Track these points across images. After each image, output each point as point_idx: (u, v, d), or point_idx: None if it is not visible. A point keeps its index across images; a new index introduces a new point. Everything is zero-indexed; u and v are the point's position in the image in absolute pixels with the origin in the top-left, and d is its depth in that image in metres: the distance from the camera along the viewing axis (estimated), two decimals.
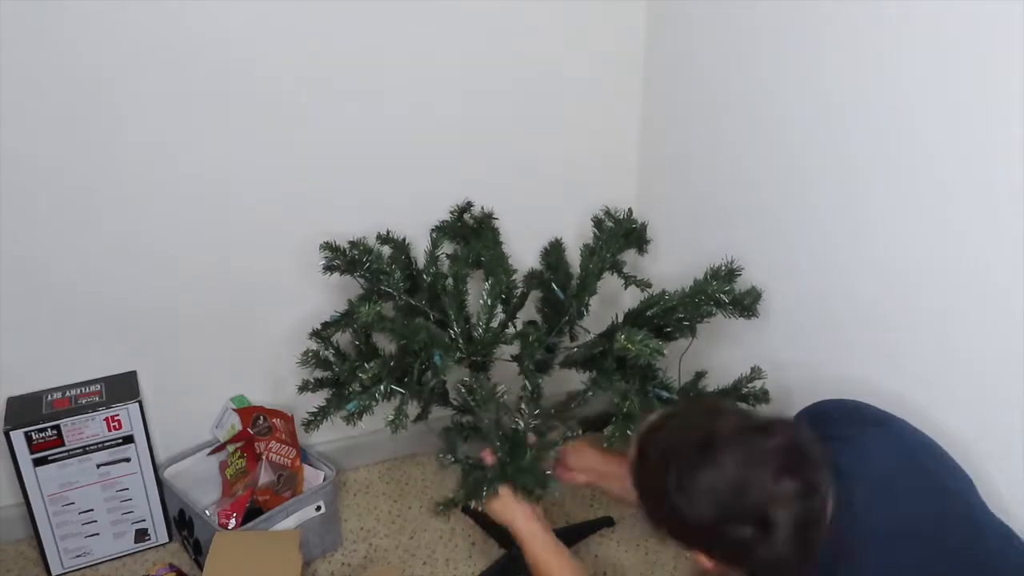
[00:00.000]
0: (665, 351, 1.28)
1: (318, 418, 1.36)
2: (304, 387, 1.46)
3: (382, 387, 1.28)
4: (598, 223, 1.62)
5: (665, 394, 1.34)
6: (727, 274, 1.43)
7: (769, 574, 0.96)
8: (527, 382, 1.35)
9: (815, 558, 0.92)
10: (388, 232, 1.57)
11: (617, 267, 1.57)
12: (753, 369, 1.37)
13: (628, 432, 1.24)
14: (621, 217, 1.63)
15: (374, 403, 1.30)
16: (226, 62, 1.45)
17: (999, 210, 1.08)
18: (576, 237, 1.67)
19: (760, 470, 0.91)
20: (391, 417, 1.28)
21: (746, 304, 1.41)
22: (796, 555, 0.91)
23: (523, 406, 1.30)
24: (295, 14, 1.46)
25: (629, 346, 1.26)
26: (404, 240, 1.56)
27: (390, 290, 1.45)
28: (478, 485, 1.27)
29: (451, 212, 1.63)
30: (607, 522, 1.72)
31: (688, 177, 1.71)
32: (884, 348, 1.30)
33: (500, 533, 1.67)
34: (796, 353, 1.47)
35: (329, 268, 1.49)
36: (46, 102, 1.37)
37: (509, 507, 1.32)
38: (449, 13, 1.57)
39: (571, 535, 1.68)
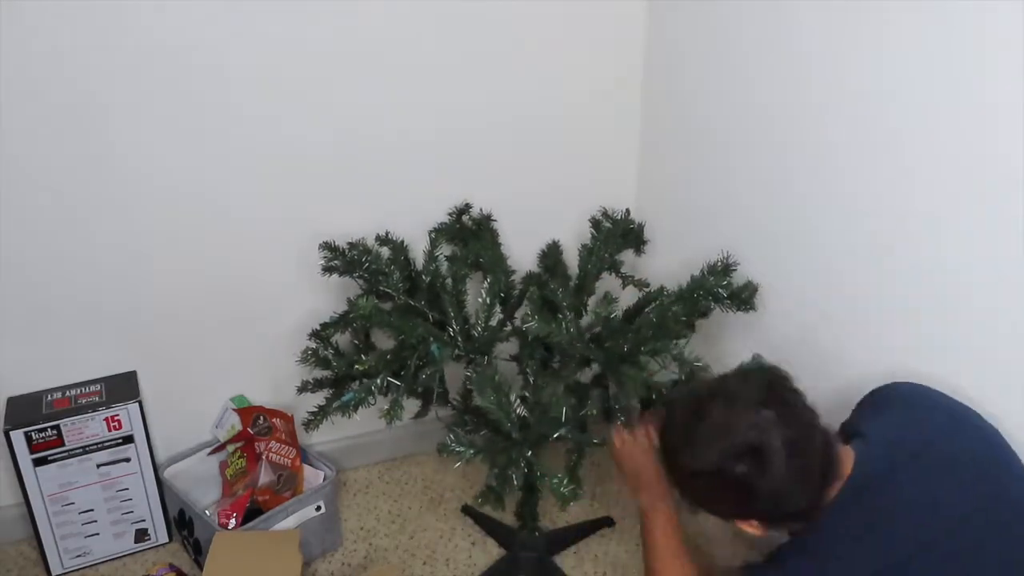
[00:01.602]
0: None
1: (318, 417, 1.36)
2: (303, 387, 1.46)
3: (378, 380, 1.28)
4: (596, 224, 1.63)
5: None
6: (723, 269, 1.44)
7: (782, 515, 1.05)
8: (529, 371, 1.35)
9: (815, 485, 1.02)
10: (387, 233, 1.57)
11: (615, 267, 1.58)
12: (754, 357, 1.37)
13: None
14: (618, 218, 1.63)
15: (371, 396, 1.30)
16: (223, 65, 1.46)
17: (989, 204, 1.09)
18: (576, 238, 1.67)
19: (741, 409, 1.02)
20: (386, 408, 1.27)
21: (743, 298, 1.42)
22: (795, 480, 1.00)
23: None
24: (293, 18, 1.46)
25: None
26: (402, 242, 1.57)
27: (389, 291, 1.46)
28: (507, 467, 1.22)
29: (449, 214, 1.63)
30: (607, 522, 1.72)
31: (688, 177, 1.72)
32: (879, 340, 1.30)
33: (501, 533, 1.67)
34: (793, 347, 1.47)
35: (328, 269, 1.49)
36: (43, 106, 1.37)
37: (638, 455, 1.33)
38: (448, 15, 1.57)
39: (571, 535, 1.68)
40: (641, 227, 1.64)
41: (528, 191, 1.76)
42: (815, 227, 1.39)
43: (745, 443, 1.00)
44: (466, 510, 1.75)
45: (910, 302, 1.24)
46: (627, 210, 1.67)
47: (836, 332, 1.38)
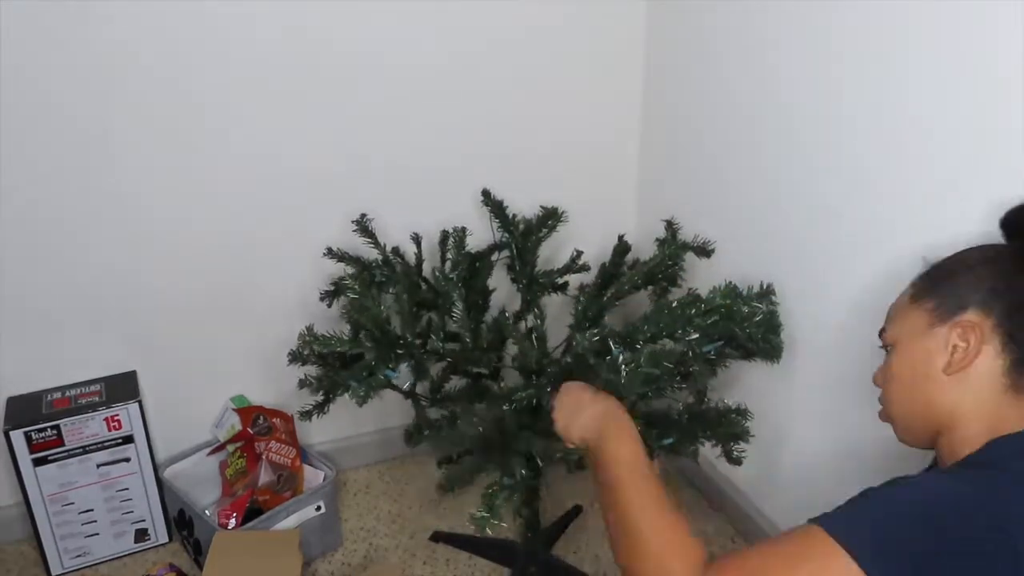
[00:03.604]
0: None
1: (329, 399, 1.34)
2: (304, 383, 1.44)
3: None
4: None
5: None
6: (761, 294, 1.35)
7: None
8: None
9: None
10: (396, 248, 1.56)
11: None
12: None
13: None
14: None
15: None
16: (228, 61, 1.46)
17: (1002, 209, 1.08)
18: (578, 239, 1.67)
19: None
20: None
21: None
22: None
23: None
24: (300, 16, 1.46)
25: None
26: (418, 260, 1.56)
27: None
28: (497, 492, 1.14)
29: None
30: (577, 511, 1.74)
31: (689, 176, 1.71)
32: None
33: (490, 550, 1.65)
34: (802, 349, 1.47)
35: (328, 295, 1.51)
36: (48, 100, 1.37)
37: (583, 404, 1.07)
38: (450, 13, 1.57)
39: (551, 534, 1.67)
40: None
41: (530, 190, 1.74)
42: (826, 227, 1.37)
43: None
44: (436, 537, 1.69)
45: None
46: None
47: (847, 336, 1.37)
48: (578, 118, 1.77)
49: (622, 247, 1.60)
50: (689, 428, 1.31)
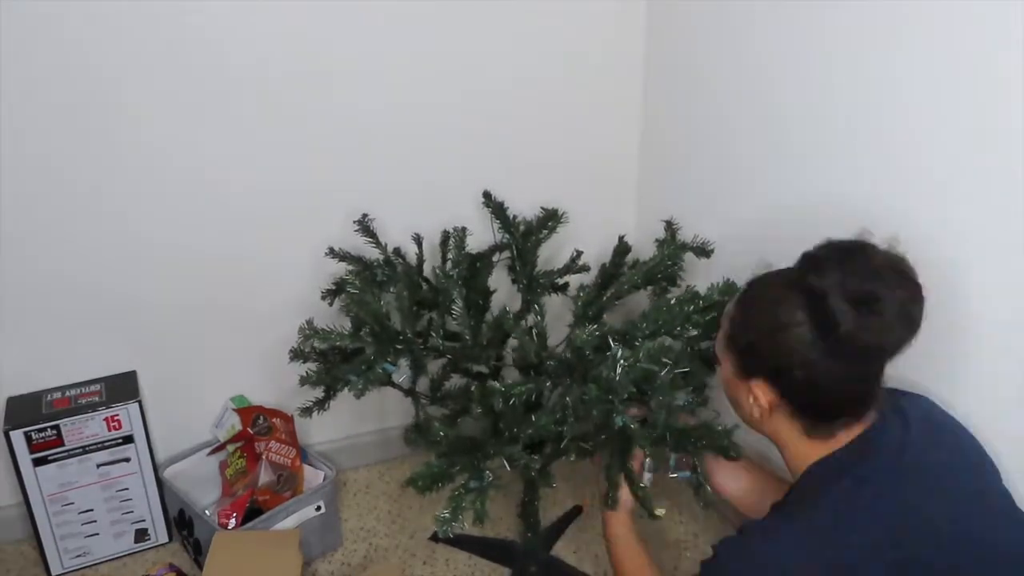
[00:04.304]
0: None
1: (330, 395, 1.34)
2: (305, 378, 1.44)
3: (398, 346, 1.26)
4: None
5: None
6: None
7: (819, 393, 1.00)
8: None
9: (870, 385, 1.01)
10: (398, 249, 1.56)
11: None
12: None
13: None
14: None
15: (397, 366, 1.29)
16: (228, 60, 1.46)
17: (1000, 209, 1.08)
18: (578, 240, 1.67)
19: (864, 273, 0.96)
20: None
21: None
22: (904, 331, 0.95)
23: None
24: (299, 16, 1.46)
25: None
26: (419, 260, 1.56)
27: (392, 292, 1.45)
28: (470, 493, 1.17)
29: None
30: (577, 511, 1.73)
31: (689, 177, 1.72)
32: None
33: (498, 554, 1.65)
34: None
35: (329, 293, 1.51)
36: (48, 101, 1.37)
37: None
38: (449, 12, 1.57)
39: (551, 534, 1.67)
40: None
41: (530, 190, 1.74)
42: (825, 229, 1.37)
43: (863, 292, 0.94)
44: (436, 537, 1.67)
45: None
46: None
47: None
48: (578, 119, 1.77)
49: (622, 247, 1.60)
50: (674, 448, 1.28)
